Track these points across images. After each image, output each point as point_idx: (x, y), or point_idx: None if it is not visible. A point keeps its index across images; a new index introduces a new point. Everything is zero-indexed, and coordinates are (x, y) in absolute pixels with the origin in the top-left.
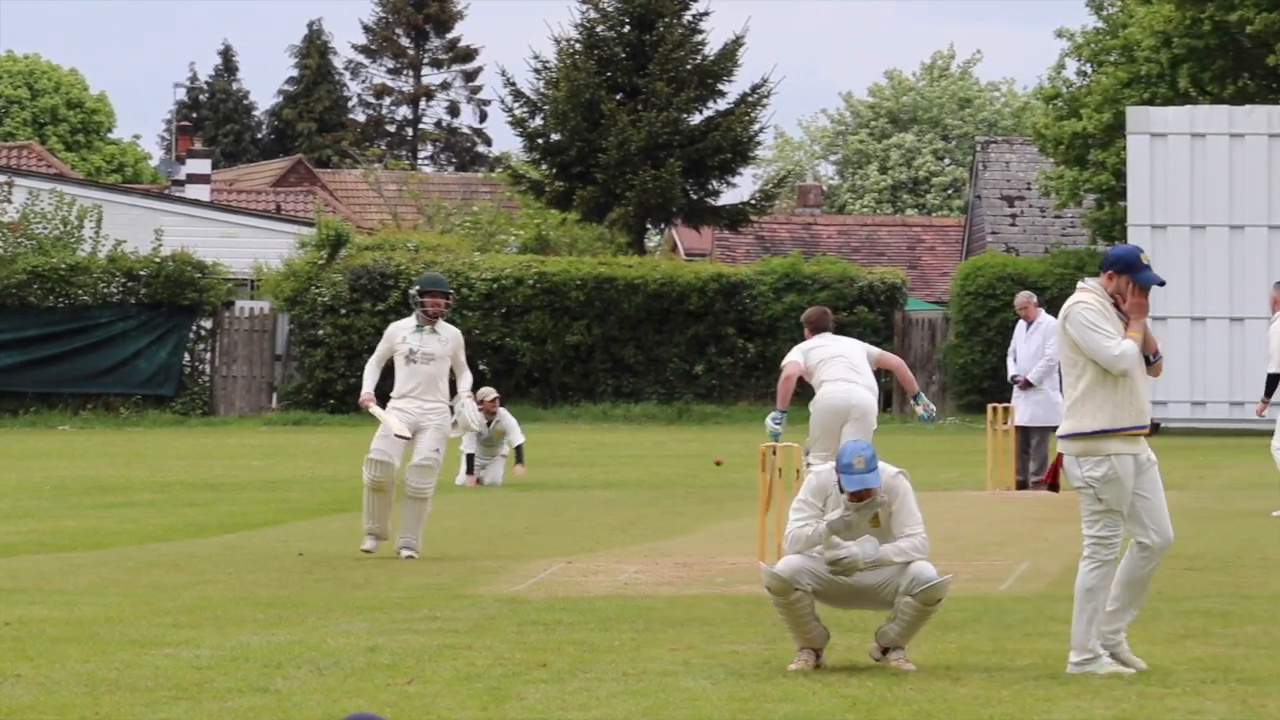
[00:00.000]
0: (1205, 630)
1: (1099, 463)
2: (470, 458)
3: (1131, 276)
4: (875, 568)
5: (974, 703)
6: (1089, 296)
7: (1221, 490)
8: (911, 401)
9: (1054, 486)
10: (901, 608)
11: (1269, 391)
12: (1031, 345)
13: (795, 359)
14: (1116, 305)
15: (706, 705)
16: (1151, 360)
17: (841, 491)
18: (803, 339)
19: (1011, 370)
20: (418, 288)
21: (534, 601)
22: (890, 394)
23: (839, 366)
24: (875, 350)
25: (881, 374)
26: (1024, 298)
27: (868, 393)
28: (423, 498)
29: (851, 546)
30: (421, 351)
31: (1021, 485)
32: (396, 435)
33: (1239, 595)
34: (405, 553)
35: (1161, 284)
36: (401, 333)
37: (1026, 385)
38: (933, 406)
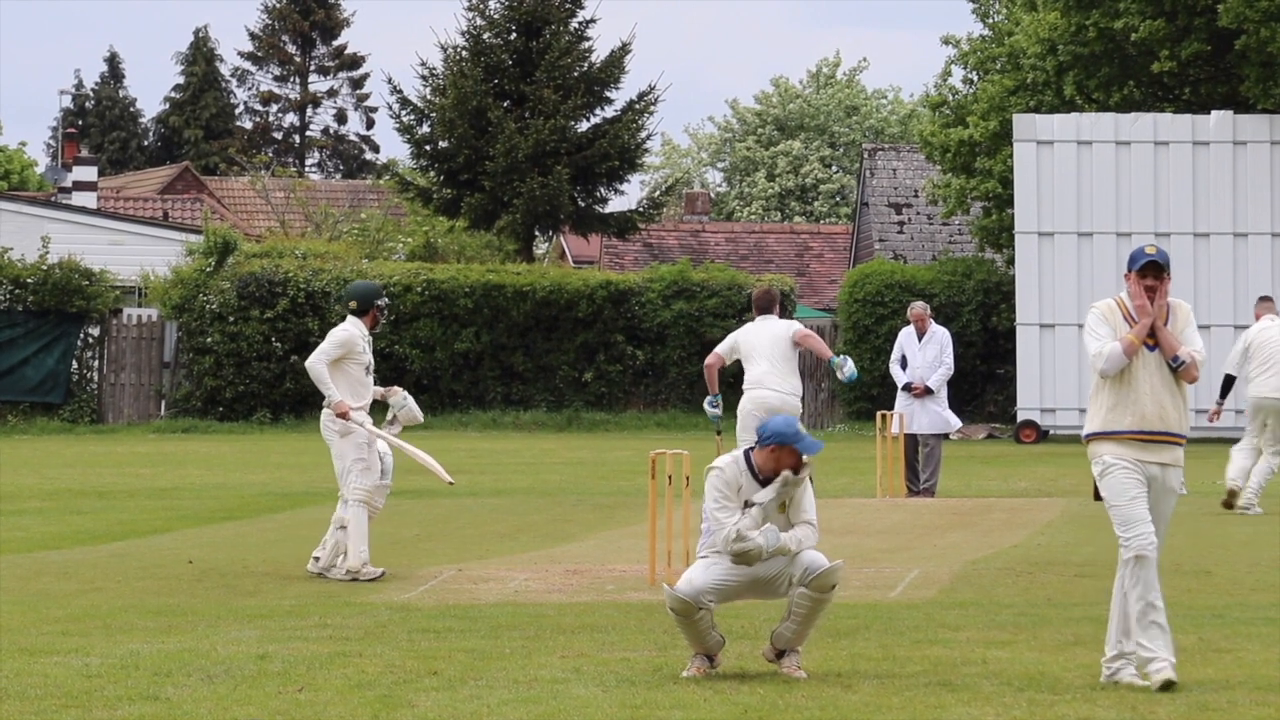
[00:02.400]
0: (1095, 637)
1: (1096, 462)
2: None
3: (1130, 270)
4: (774, 556)
5: (865, 709)
6: (1101, 302)
7: None
8: (831, 367)
9: (1098, 494)
10: (797, 601)
11: (1224, 393)
12: (928, 354)
13: (718, 351)
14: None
15: (598, 713)
16: (1173, 366)
17: (782, 462)
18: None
19: (903, 378)
20: (385, 300)
21: (424, 609)
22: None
23: (759, 368)
24: (797, 329)
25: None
26: (920, 308)
27: (787, 396)
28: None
29: (756, 537)
30: (371, 365)
31: (913, 492)
32: (449, 483)
33: None
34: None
35: (1155, 262)
36: (361, 342)
37: (926, 391)
38: (850, 365)
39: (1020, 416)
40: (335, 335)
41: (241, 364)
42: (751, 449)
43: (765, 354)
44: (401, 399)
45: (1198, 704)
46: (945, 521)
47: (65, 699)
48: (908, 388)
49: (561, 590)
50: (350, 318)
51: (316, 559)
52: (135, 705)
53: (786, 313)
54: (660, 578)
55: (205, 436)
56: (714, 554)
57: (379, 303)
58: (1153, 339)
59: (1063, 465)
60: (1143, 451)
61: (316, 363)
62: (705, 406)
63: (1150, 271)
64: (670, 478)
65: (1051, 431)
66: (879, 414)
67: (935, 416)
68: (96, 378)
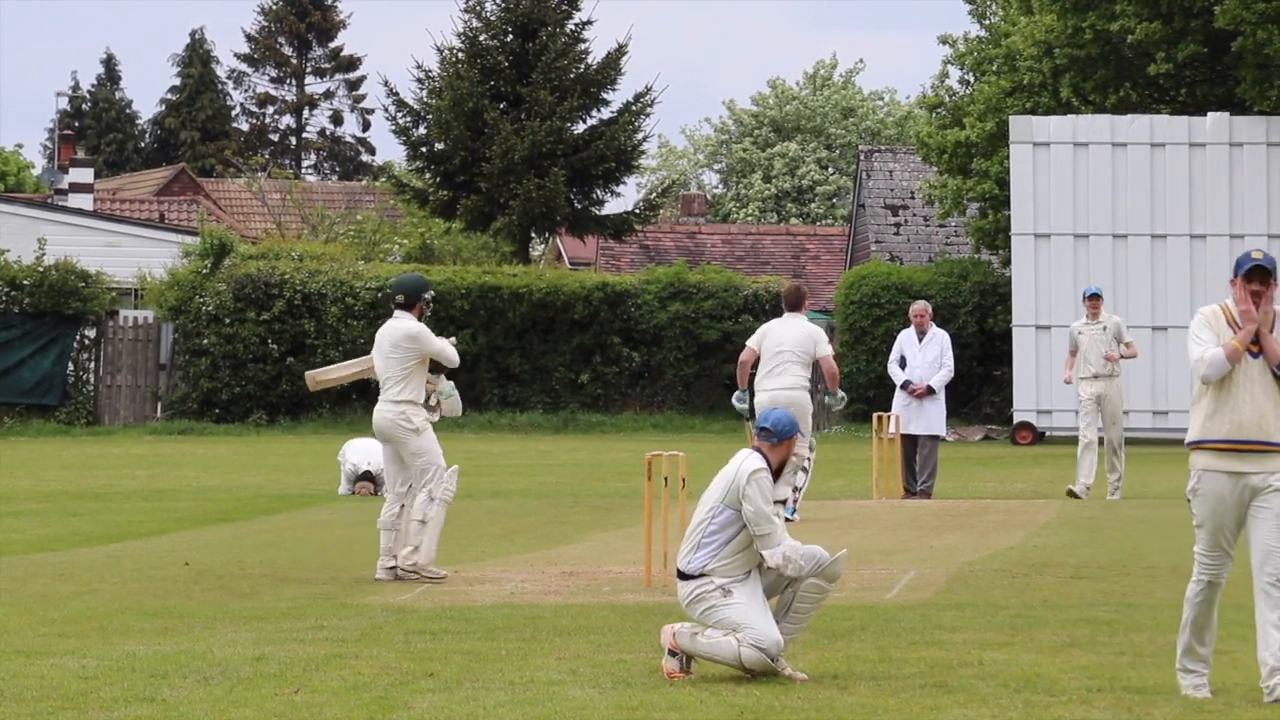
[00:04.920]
0: (1091, 639)
1: (1191, 475)
2: (367, 474)
3: (1236, 275)
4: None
5: (861, 711)
6: (1206, 307)
7: (1106, 499)
8: (826, 397)
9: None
10: (805, 592)
11: None
12: (928, 354)
13: (750, 345)
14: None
15: (594, 714)
16: (1277, 373)
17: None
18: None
19: (901, 376)
20: (431, 293)
21: (421, 611)
22: None
23: (778, 369)
24: (824, 352)
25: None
26: (921, 306)
27: (792, 390)
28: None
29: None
30: None
31: (910, 493)
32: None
33: (1124, 604)
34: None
35: (1261, 266)
36: None
37: (928, 391)
38: (841, 404)
39: (1016, 418)
40: (419, 328)
41: (237, 366)
42: (760, 449)
43: (785, 352)
44: (449, 389)
45: (1193, 706)
46: (941, 523)
47: (61, 700)
48: (906, 386)
49: (558, 592)
50: (398, 312)
51: (393, 566)
52: (131, 707)
53: None
54: (656, 579)
55: (201, 438)
56: (732, 586)
57: (425, 296)
58: (1256, 345)
59: (1059, 467)
60: (1239, 462)
61: (446, 348)
62: (734, 401)
63: (1256, 276)
64: (666, 479)
65: (1048, 433)
66: (875, 415)
67: (932, 418)
68: (93, 379)
